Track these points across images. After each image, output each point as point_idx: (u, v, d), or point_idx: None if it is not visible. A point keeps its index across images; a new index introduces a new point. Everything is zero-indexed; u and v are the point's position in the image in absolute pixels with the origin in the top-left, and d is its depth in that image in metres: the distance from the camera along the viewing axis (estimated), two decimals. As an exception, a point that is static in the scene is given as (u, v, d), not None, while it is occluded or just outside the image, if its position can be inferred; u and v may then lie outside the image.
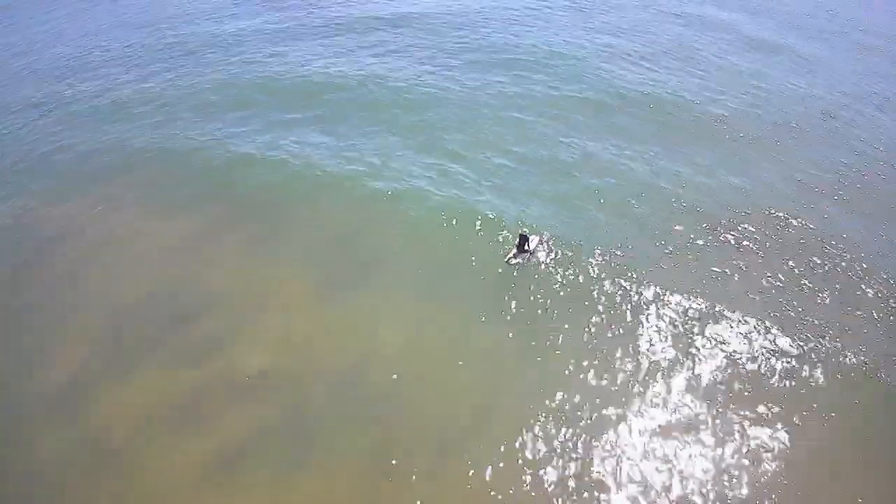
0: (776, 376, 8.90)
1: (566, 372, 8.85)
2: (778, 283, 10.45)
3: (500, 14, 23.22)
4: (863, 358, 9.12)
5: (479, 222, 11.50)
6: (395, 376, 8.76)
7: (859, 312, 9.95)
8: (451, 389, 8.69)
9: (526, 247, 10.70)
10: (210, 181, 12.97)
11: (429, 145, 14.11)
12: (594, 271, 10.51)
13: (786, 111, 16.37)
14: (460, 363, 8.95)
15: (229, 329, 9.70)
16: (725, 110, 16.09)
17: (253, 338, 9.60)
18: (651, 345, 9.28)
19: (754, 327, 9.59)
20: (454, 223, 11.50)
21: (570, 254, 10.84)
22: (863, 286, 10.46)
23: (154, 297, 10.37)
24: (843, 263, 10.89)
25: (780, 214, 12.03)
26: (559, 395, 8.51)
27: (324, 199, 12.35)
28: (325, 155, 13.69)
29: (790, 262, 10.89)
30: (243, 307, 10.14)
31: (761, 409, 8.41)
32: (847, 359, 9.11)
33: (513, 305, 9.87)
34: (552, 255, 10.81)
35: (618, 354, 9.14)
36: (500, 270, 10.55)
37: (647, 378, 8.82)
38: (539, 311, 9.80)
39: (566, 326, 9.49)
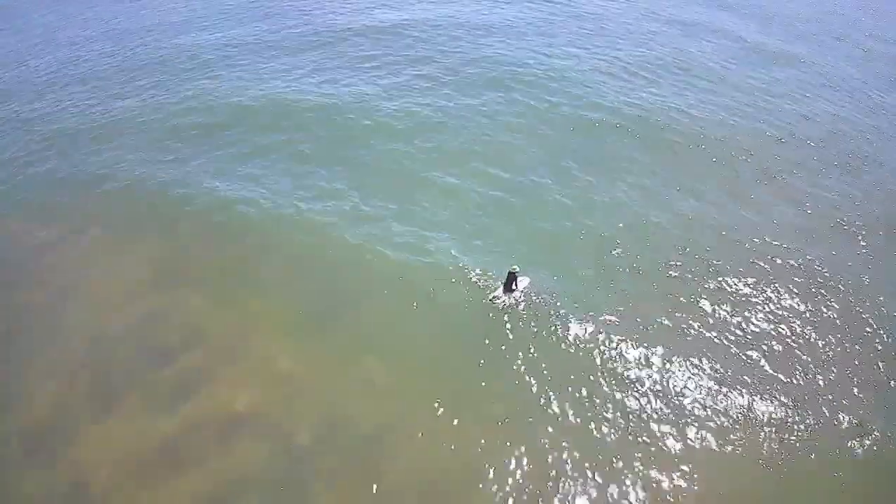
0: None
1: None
2: (782, 346, 10.07)
3: (476, 24, 22.61)
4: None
5: (457, 265, 11.27)
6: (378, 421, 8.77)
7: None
8: (436, 435, 8.65)
9: (514, 285, 10.59)
10: (180, 219, 12.55)
11: (406, 183, 13.54)
12: (583, 335, 10.03)
13: (793, 131, 16.27)
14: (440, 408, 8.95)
15: (210, 364, 9.58)
16: (728, 131, 15.90)
17: (234, 374, 9.48)
18: (641, 409, 9.01)
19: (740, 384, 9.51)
20: (434, 268, 11.23)
21: (556, 305, 10.55)
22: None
23: (132, 330, 10.23)
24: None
25: (779, 260, 11.72)
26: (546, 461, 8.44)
27: (297, 247, 11.83)
28: (295, 195, 13.09)
29: (795, 324, 10.42)
30: (223, 341, 10.02)
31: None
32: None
33: (493, 348, 9.82)
34: (538, 299, 10.68)
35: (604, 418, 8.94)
36: (489, 314, 10.40)
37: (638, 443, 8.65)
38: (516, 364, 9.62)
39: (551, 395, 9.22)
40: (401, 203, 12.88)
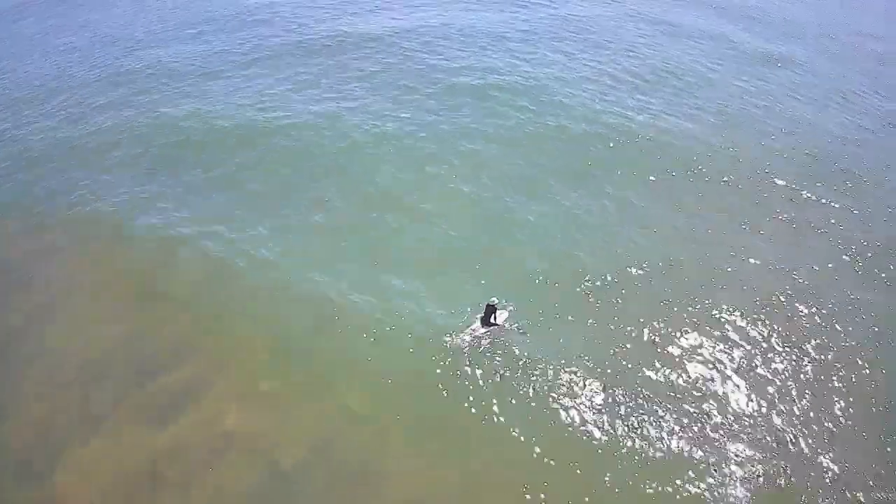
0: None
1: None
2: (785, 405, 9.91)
3: (453, 31, 21.98)
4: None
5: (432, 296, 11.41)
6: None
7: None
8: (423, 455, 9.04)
9: (493, 319, 10.65)
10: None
11: (376, 207, 13.42)
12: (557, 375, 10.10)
13: (788, 142, 16.14)
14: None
15: (197, 383, 9.87)
16: (721, 153, 15.70)
17: (221, 393, 9.77)
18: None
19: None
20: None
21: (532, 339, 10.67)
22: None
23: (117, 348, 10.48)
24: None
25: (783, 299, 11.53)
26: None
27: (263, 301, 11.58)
28: (248, 244, 12.55)
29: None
30: (209, 358, 10.30)
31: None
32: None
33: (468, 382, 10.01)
34: (518, 332, 10.79)
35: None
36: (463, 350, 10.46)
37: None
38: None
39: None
40: (366, 233, 12.93)
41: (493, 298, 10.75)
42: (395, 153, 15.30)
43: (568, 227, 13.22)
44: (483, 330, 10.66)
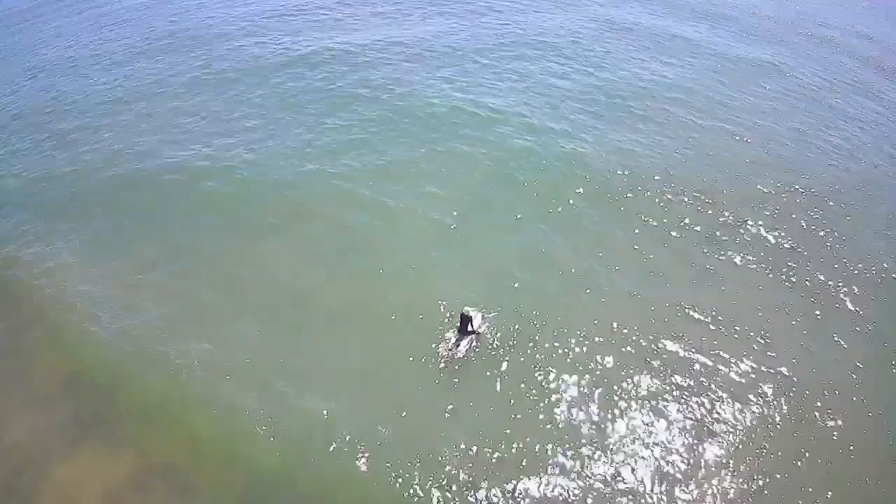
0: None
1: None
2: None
3: (398, 48, 20.17)
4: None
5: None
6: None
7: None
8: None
9: (470, 327, 10.54)
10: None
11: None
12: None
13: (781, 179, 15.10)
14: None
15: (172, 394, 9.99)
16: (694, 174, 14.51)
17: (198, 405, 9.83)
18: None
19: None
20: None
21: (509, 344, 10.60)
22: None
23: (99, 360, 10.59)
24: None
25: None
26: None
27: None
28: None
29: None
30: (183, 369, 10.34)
31: None
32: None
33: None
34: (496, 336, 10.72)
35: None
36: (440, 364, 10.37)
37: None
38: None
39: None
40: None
41: (466, 308, 10.69)
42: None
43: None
44: (465, 340, 10.57)
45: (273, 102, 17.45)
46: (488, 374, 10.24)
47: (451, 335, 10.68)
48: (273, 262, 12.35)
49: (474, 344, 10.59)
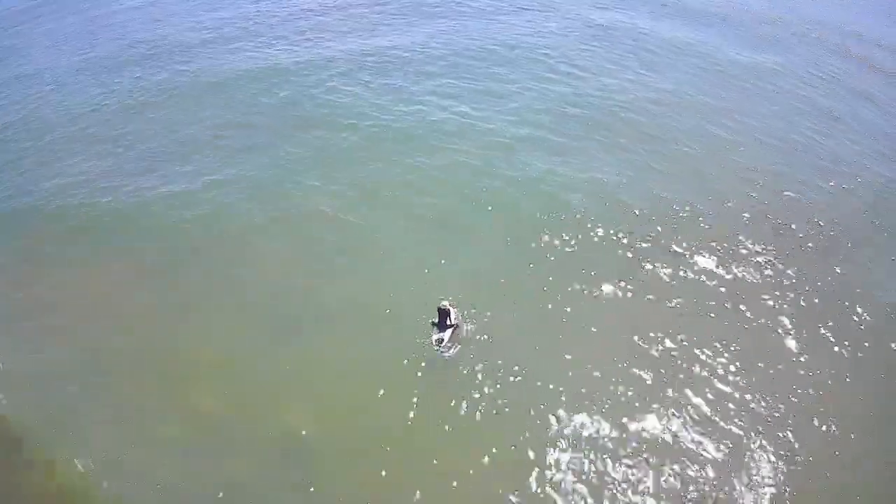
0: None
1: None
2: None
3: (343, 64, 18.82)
4: None
5: None
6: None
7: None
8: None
9: (448, 321, 10.39)
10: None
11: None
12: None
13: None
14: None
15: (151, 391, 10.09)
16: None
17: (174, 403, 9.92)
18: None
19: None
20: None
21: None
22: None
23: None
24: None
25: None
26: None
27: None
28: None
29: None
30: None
31: None
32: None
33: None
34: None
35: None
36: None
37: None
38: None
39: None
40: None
41: (443, 301, 10.46)
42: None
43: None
44: (446, 334, 10.39)
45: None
46: (476, 368, 10.11)
47: (433, 332, 10.50)
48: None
49: (453, 336, 10.43)
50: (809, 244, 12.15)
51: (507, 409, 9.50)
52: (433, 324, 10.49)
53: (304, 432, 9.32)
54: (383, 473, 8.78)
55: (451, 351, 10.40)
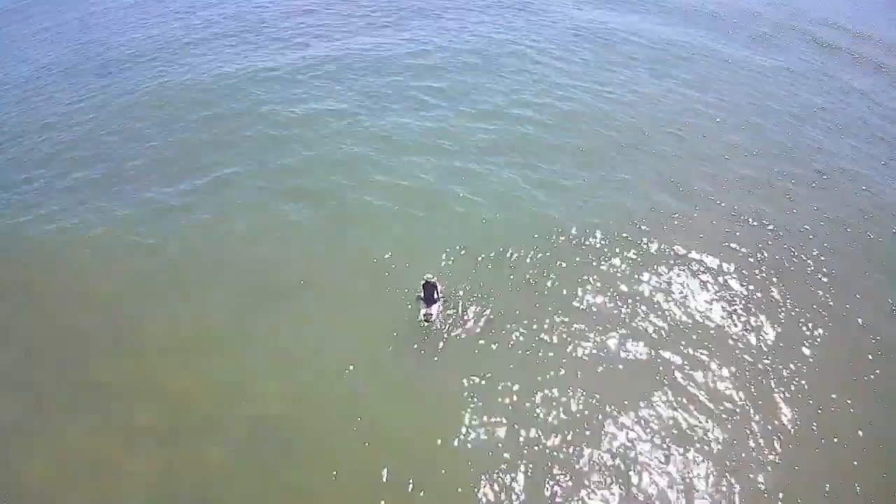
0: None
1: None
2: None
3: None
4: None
5: None
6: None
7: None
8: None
9: (435, 294, 10.12)
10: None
11: None
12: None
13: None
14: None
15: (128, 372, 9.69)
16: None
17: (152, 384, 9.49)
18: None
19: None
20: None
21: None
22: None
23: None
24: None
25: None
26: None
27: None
28: None
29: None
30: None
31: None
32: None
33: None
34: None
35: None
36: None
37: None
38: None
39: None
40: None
41: (428, 275, 10.15)
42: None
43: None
44: (435, 307, 10.10)
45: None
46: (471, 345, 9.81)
47: (421, 307, 10.22)
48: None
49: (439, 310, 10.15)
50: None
51: (484, 382, 9.20)
52: (419, 298, 10.20)
53: (277, 411, 8.96)
54: (357, 451, 8.43)
55: (438, 324, 10.04)
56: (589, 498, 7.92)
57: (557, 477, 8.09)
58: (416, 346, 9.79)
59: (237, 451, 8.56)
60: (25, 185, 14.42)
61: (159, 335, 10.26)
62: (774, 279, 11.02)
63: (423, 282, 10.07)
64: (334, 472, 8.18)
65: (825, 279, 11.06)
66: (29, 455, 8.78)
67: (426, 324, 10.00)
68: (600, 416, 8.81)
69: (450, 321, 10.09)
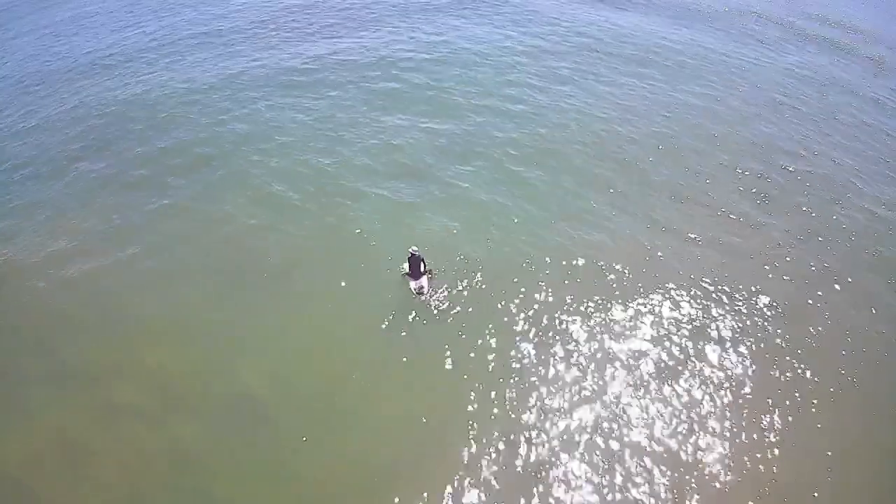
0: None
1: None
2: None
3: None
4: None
5: None
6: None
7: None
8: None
9: (422, 267, 9.76)
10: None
11: None
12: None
13: None
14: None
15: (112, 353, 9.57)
16: None
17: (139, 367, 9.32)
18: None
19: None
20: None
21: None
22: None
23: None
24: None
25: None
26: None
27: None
28: None
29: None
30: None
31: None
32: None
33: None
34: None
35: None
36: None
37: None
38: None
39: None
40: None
41: (413, 247, 9.91)
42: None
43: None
44: (425, 282, 9.84)
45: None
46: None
47: (410, 281, 9.96)
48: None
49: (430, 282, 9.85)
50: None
51: (469, 359, 8.95)
52: (406, 274, 9.98)
53: (258, 390, 8.81)
54: (339, 430, 8.25)
55: (433, 295, 9.77)
56: (576, 473, 7.73)
57: (551, 458, 7.89)
58: (411, 318, 9.56)
59: (215, 428, 8.42)
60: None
61: (138, 316, 10.14)
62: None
63: (409, 255, 9.83)
64: (303, 437, 8.09)
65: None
66: (4, 436, 8.67)
67: (422, 297, 9.76)
68: (595, 393, 8.59)
69: (442, 294, 9.83)
